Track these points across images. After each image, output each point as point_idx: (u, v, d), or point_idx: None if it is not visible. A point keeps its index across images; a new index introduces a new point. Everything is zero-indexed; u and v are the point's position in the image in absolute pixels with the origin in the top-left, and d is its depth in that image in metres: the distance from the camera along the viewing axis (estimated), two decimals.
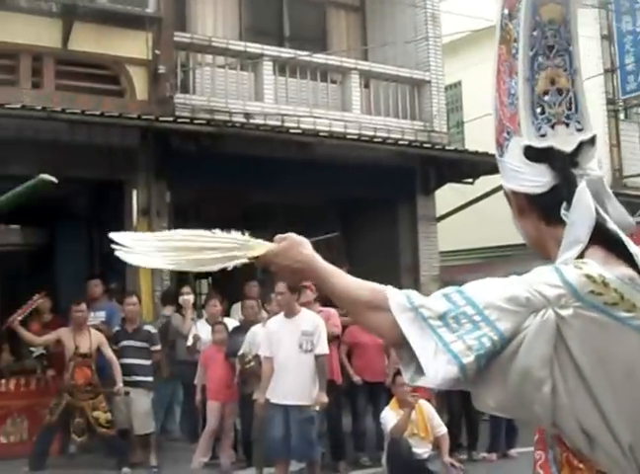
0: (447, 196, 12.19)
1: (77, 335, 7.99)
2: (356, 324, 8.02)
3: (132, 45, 9.84)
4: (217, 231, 1.78)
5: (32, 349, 8.73)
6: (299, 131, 10.44)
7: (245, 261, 1.75)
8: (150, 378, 8.20)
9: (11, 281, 11.76)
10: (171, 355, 8.87)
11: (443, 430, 7.22)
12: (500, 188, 1.71)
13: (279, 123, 10.67)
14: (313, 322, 6.86)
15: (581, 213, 1.51)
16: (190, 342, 8.49)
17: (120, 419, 8.08)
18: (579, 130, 1.60)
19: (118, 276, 9.87)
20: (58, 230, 11.94)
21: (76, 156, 9.28)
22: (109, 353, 8.02)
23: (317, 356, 6.75)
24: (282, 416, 6.65)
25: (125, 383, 7.94)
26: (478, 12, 12.24)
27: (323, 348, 6.81)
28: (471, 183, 12.18)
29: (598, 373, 1.41)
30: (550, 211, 1.58)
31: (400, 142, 11.35)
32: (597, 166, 1.61)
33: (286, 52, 11.34)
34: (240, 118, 10.50)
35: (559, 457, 1.52)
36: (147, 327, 8.41)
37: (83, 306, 8.17)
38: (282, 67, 11.23)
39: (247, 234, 1.78)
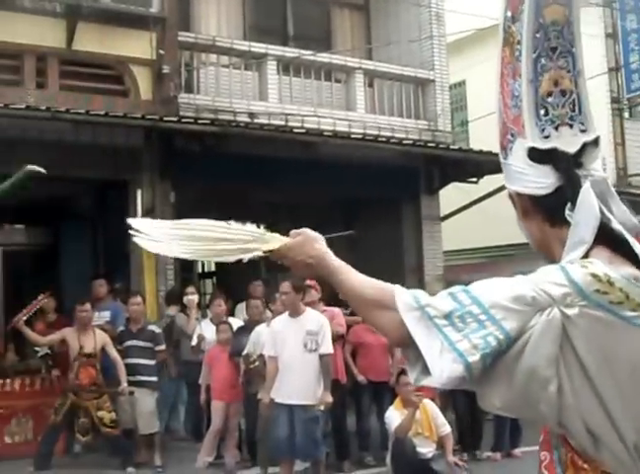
0: (452, 195, 12.17)
1: (82, 335, 8.00)
2: (362, 323, 8.04)
3: (136, 45, 9.85)
4: (233, 222, 1.79)
5: (36, 348, 8.74)
6: (303, 131, 10.44)
7: (260, 254, 1.77)
8: (155, 378, 8.20)
9: (16, 281, 11.79)
10: (175, 354, 8.89)
11: (448, 429, 7.22)
12: (504, 187, 1.71)
13: (283, 123, 10.67)
14: (318, 322, 6.86)
15: (585, 214, 1.52)
16: (194, 341, 8.49)
17: (125, 418, 8.09)
18: (582, 131, 1.61)
19: (122, 275, 9.89)
20: (63, 230, 11.96)
21: (81, 156, 9.29)
22: (113, 352, 8.03)
23: (322, 356, 6.75)
24: (287, 415, 6.65)
25: (130, 383, 7.94)
26: (482, 10, 12.20)
27: (327, 347, 6.81)
28: (475, 182, 12.15)
29: (603, 373, 1.41)
30: (555, 212, 1.58)
31: (404, 142, 11.34)
32: (600, 167, 1.61)
33: (290, 52, 11.34)
34: (244, 118, 10.50)
35: (564, 458, 1.52)
36: (152, 327, 8.41)
37: (87, 306, 8.18)
38: (287, 67, 11.23)
39: (262, 227, 1.80)
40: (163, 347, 8.36)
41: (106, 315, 8.93)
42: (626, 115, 15.13)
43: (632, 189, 14.05)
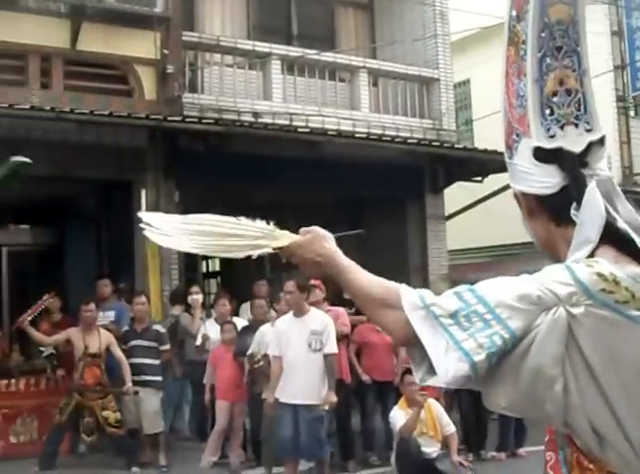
0: (456, 194, 12.16)
1: (86, 335, 8.01)
2: (366, 322, 8.04)
3: (140, 45, 9.86)
4: (243, 218, 1.80)
5: (41, 348, 8.76)
6: (308, 130, 10.44)
7: (269, 251, 1.78)
8: (159, 378, 8.21)
9: (20, 281, 11.82)
10: (180, 354, 8.90)
11: (452, 429, 7.21)
12: (509, 186, 1.71)
13: (287, 122, 10.67)
14: (322, 321, 6.86)
15: (591, 213, 1.52)
16: (199, 341, 8.50)
17: (130, 418, 8.10)
18: (588, 131, 1.60)
19: (126, 275, 9.91)
20: (67, 230, 11.98)
21: (85, 156, 9.31)
22: (118, 352, 8.04)
23: (326, 356, 6.74)
24: (292, 415, 6.65)
25: (135, 383, 7.95)
26: (487, 9, 12.19)
27: (332, 347, 6.80)
28: (480, 181, 12.15)
29: (608, 372, 1.41)
30: (560, 212, 1.58)
31: (409, 141, 11.33)
32: (606, 166, 1.61)
33: (295, 51, 11.35)
34: (248, 118, 10.51)
35: (569, 458, 1.52)
36: (156, 326, 8.42)
37: (92, 306, 8.19)
38: (291, 66, 11.23)
39: (272, 224, 1.80)
40: (167, 346, 8.37)
41: (110, 315, 8.94)
42: (632, 113, 15.11)
43: (638, 187, 14.02)
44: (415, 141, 11.43)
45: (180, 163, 9.81)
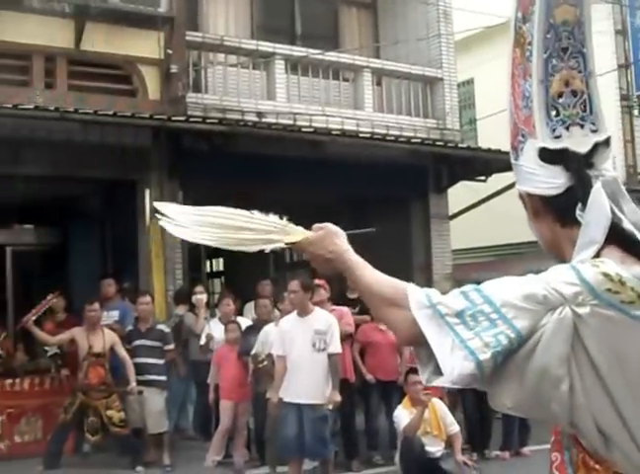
0: (460, 193, 12.16)
1: (91, 334, 8.02)
2: (370, 322, 8.05)
3: (144, 45, 9.86)
4: (256, 212, 1.81)
5: (46, 348, 8.78)
6: (311, 130, 10.44)
7: (282, 245, 1.79)
8: (163, 377, 8.22)
9: (25, 281, 11.84)
10: (184, 354, 8.90)
11: (456, 428, 7.21)
12: (513, 185, 1.71)
13: (291, 122, 10.67)
14: (326, 321, 6.86)
15: (596, 214, 1.52)
16: (203, 341, 8.51)
17: (134, 418, 8.11)
18: (593, 132, 1.60)
19: (131, 275, 9.91)
20: (72, 230, 11.99)
21: (89, 156, 9.32)
22: (122, 352, 8.05)
23: (330, 355, 6.75)
24: (296, 414, 6.65)
25: (139, 382, 7.96)
26: (490, 8, 12.21)
27: (336, 346, 6.81)
28: (484, 180, 12.14)
29: (614, 372, 1.41)
30: (565, 213, 1.58)
31: (412, 140, 11.32)
32: (612, 167, 1.61)
33: (298, 51, 11.34)
34: (252, 117, 10.51)
35: (575, 458, 1.52)
36: (160, 326, 8.43)
37: (96, 306, 8.20)
38: (294, 66, 11.23)
39: (285, 219, 1.81)
40: (172, 346, 8.38)
41: (114, 314, 8.95)
42: (635, 112, 15.06)
43: None
44: (419, 141, 11.42)
45: (184, 163, 9.82)
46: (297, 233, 1.79)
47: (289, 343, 6.76)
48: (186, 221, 1.82)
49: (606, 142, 1.61)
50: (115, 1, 9.76)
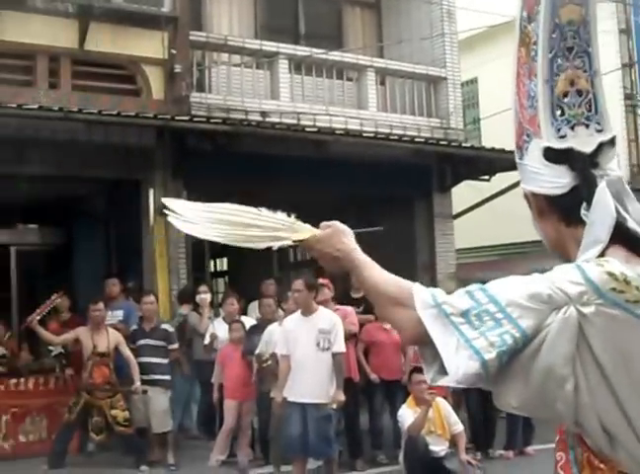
0: (464, 193, 12.15)
1: (95, 334, 8.03)
2: (374, 321, 8.05)
3: (148, 45, 9.87)
4: (264, 209, 1.81)
5: (50, 348, 8.79)
6: (315, 130, 10.44)
7: (289, 243, 1.79)
8: (168, 377, 8.23)
9: (29, 281, 11.86)
10: (188, 353, 8.91)
11: (460, 427, 7.20)
12: (517, 184, 1.71)
13: (294, 122, 10.67)
14: (330, 320, 6.86)
15: (601, 213, 1.52)
16: (207, 340, 8.51)
17: (138, 417, 8.12)
18: (599, 131, 1.60)
19: (135, 274, 9.93)
20: (76, 229, 12.01)
21: (93, 156, 9.33)
22: (126, 351, 8.06)
23: (334, 355, 6.75)
24: (300, 414, 6.65)
25: (143, 382, 7.97)
26: (494, 8, 12.19)
27: (340, 346, 6.80)
28: (488, 180, 12.13)
29: (619, 371, 1.41)
30: (570, 212, 1.58)
31: (416, 140, 11.32)
32: (617, 166, 1.61)
33: (302, 50, 11.34)
34: (256, 117, 10.51)
35: (580, 458, 1.52)
36: (164, 326, 8.44)
37: (101, 305, 8.22)
38: (298, 65, 11.23)
39: (293, 216, 1.81)
40: (176, 345, 8.39)
41: (119, 314, 8.96)
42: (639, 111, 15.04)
43: None
44: (422, 140, 11.42)
45: (188, 162, 9.82)
46: (305, 231, 1.79)
47: (293, 342, 6.76)
48: (193, 217, 1.83)
49: (612, 142, 1.61)
50: (118, 1, 9.78)
